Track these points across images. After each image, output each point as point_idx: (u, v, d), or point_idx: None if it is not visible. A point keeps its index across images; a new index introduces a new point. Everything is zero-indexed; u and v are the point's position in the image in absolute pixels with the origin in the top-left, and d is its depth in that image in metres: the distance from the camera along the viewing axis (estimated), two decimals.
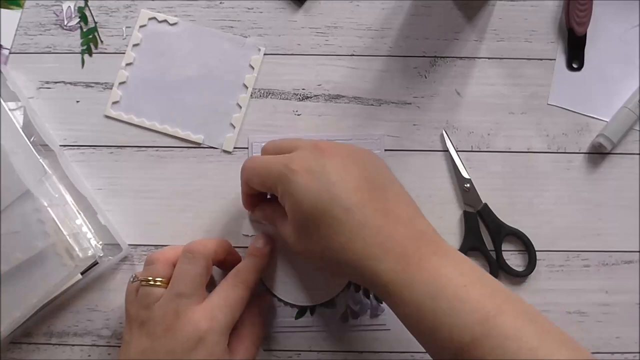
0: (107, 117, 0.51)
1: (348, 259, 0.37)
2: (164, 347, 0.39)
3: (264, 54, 0.52)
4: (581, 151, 0.52)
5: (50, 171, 0.48)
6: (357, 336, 0.49)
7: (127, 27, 0.53)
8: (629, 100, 0.52)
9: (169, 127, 0.51)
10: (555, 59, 0.53)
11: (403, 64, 0.53)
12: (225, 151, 0.51)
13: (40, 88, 0.52)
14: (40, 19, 0.53)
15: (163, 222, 0.51)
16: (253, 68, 0.52)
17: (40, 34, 0.53)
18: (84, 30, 0.53)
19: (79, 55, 0.53)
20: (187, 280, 0.42)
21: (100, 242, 0.48)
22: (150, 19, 0.52)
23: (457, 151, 0.51)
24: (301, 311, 0.49)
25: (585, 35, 0.53)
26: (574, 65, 0.53)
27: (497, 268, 0.50)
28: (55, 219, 0.45)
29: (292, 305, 0.49)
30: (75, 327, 0.49)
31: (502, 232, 0.50)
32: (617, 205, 0.51)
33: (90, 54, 0.53)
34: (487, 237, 0.50)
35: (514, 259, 0.51)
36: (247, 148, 0.51)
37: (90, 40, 0.53)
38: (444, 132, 0.51)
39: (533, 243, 0.50)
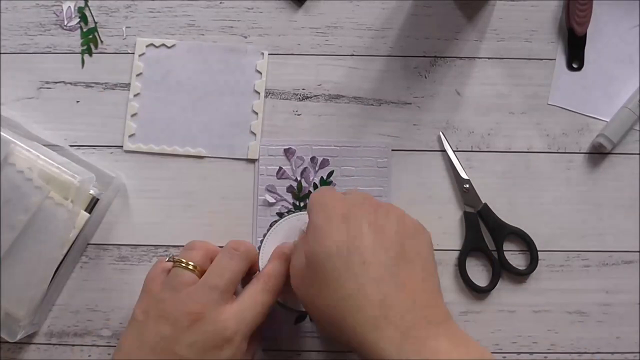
0: (127, 151, 0.51)
1: (347, 312, 0.35)
2: (187, 339, 0.38)
3: (268, 55, 0.52)
4: (581, 151, 0.52)
5: (15, 135, 0.47)
6: None
7: (127, 27, 0.53)
8: (629, 100, 0.52)
9: (191, 148, 0.51)
10: (555, 59, 0.53)
11: (403, 63, 0.53)
12: (250, 159, 0.51)
13: (40, 88, 0.52)
14: (40, 19, 0.53)
15: (163, 222, 0.51)
16: (260, 73, 0.52)
17: (40, 34, 0.53)
18: (84, 30, 0.53)
19: (79, 55, 0.53)
20: (226, 275, 0.41)
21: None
22: (147, 45, 0.52)
23: (454, 152, 0.51)
24: (300, 317, 0.49)
25: (585, 35, 0.52)
26: (574, 65, 0.53)
27: (499, 267, 0.50)
28: (42, 170, 0.45)
29: (291, 310, 0.49)
30: (75, 327, 0.49)
31: (503, 232, 0.50)
32: (617, 205, 0.51)
33: (90, 54, 0.53)
34: (488, 237, 0.50)
35: (515, 258, 0.50)
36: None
37: (90, 40, 0.53)
38: (441, 134, 0.51)
39: (532, 239, 0.50)
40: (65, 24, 0.53)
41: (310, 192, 0.51)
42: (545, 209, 0.51)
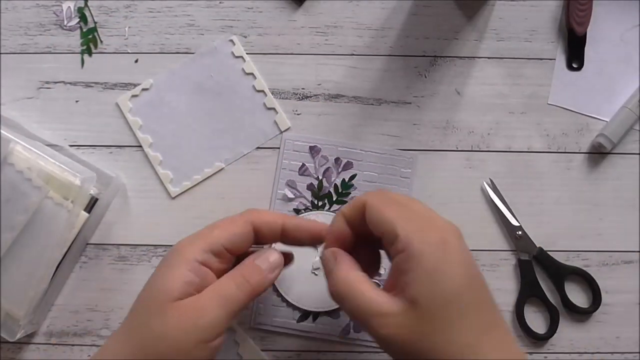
0: (175, 197, 0.51)
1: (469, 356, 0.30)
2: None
3: (263, 54, 0.52)
4: (581, 151, 0.52)
5: (15, 135, 0.46)
6: (356, 349, 0.49)
7: (128, 27, 0.53)
8: (629, 100, 0.52)
9: (222, 163, 0.51)
10: (555, 59, 0.53)
11: (403, 63, 0.53)
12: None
13: (40, 88, 0.52)
14: (40, 19, 0.53)
15: (163, 222, 0.51)
16: (251, 74, 0.52)
17: (40, 34, 0.53)
18: (84, 30, 0.53)
19: (79, 55, 0.53)
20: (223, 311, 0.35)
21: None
22: (130, 99, 0.51)
23: (502, 201, 0.50)
24: (304, 315, 0.49)
25: (585, 35, 0.52)
26: (574, 65, 0.53)
27: (559, 313, 0.49)
28: (41, 170, 0.45)
29: (295, 308, 0.49)
30: (75, 327, 0.49)
31: (564, 274, 0.49)
32: (617, 205, 0.51)
33: (90, 54, 0.53)
34: (545, 281, 0.50)
35: (576, 297, 0.50)
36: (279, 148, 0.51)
37: (90, 40, 0.53)
38: (485, 184, 0.50)
39: (593, 276, 0.49)
40: (65, 24, 0.53)
41: (330, 192, 0.51)
42: (545, 209, 0.51)
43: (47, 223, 0.45)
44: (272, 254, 0.38)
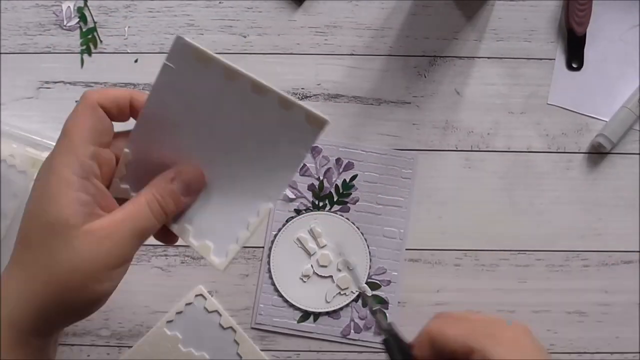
0: None
1: None
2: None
3: (264, 54, 0.52)
4: (581, 151, 0.52)
5: None
6: (356, 349, 0.49)
7: (128, 27, 0.53)
8: (628, 100, 0.52)
9: None
10: (555, 59, 0.53)
11: (403, 63, 0.53)
12: None
13: (40, 88, 0.52)
14: (40, 19, 0.53)
15: None
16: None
17: (40, 34, 0.53)
18: (84, 30, 0.53)
19: (79, 55, 0.53)
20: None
21: None
22: None
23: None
24: (304, 315, 0.49)
25: (585, 35, 0.52)
26: (574, 65, 0.53)
27: None
28: (24, 155, 0.45)
29: (295, 308, 0.49)
30: (75, 327, 0.49)
31: None
32: (617, 205, 0.51)
33: (90, 53, 0.53)
34: None
35: None
36: None
37: (89, 40, 0.53)
38: None
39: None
40: (64, 23, 0.53)
41: (331, 193, 0.51)
42: (545, 209, 0.51)
43: None
44: (190, 172, 0.34)
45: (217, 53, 0.30)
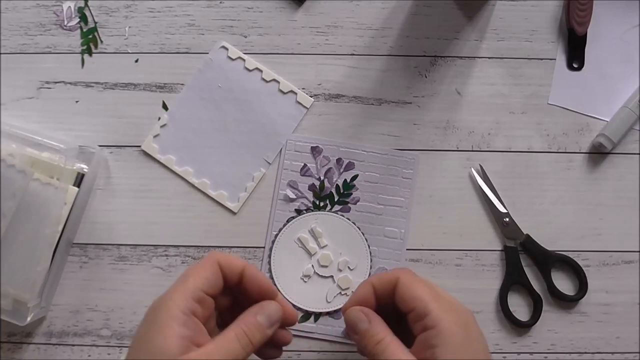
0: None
1: None
2: None
3: (265, 54, 0.52)
4: (581, 151, 0.52)
5: None
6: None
7: (129, 27, 0.53)
8: (629, 100, 0.52)
9: (269, 161, 0.51)
10: (555, 59, 0.53)
11: (403, 63, 0.53)
12: None
13: (40, 88, 0.52)
14: (40, 19, 0.53)
15: (163, 222, 0.51)
16: (255, 69, 0.52)
17: (40, 34, 0.53)
18: (84, 30, 0.53)
19: (79, 55, 0.52)
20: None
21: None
22: (154, 138, 0.52)
23: (490, 187, 0.50)
24: (305, 315, 0.49)
25: (585, 35, 0.52)
26: (575, 65, 0.53)
27: (542, 301, 0.49)
28: (23, 154, 0.46)
29: (296, 308, 0.49)
30: (75, 327, 0.49)
31: (550, 261, 0.49)
32: (617, 205, 0.51)
33: (90, 54, 0.53)
34: (532, 268, 0.50)
35: (563, 285, 0.50)
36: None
37: (90, 40, 0.53)
38: (472, 170, 0.51)
39: (580, 264, 0.50)
40: (65, 24, 0.53)
41: (331, 193, 0.51)
42: (545, 209, 0.51)
43: (38, 204, 0.45)
44: (272, 306, 0.39)
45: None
